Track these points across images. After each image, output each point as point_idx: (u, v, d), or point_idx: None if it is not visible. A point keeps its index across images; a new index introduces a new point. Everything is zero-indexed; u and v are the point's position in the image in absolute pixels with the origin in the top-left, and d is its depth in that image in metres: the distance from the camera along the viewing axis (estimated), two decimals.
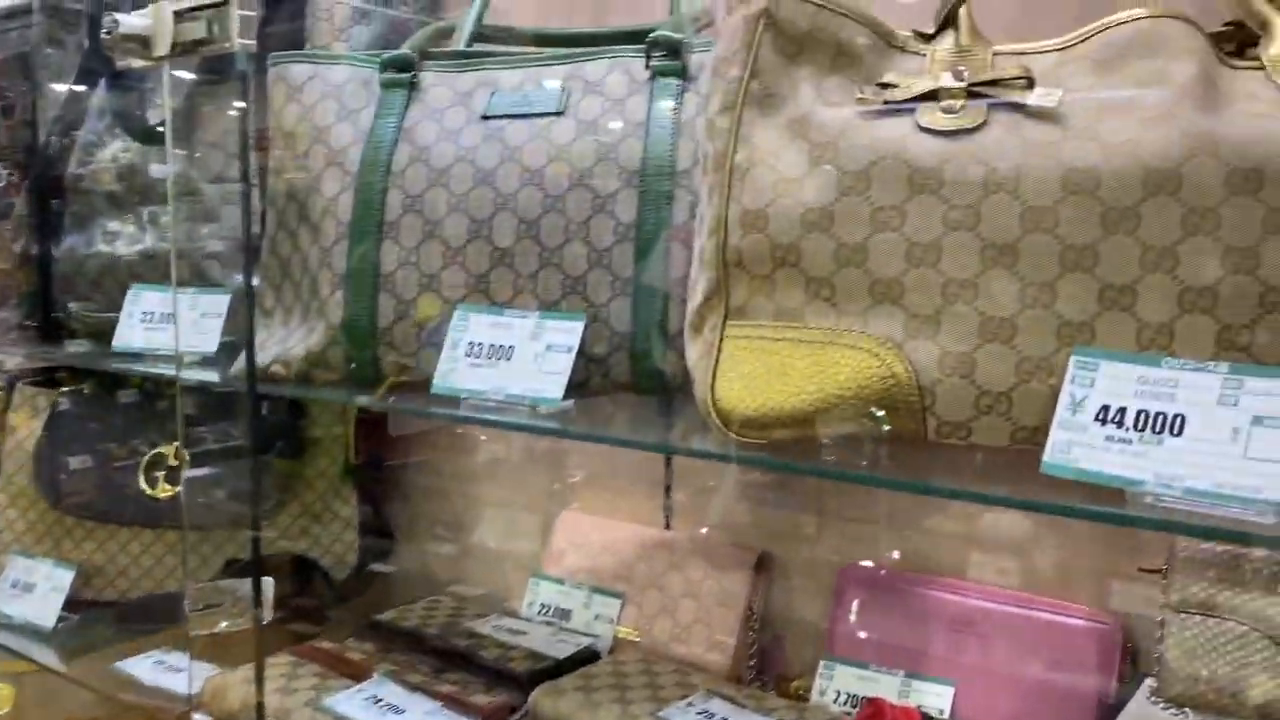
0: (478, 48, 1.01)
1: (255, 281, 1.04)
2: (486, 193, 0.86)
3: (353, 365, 0.89)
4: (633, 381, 0.84)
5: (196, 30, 0.67)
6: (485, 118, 0.89)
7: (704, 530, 1.14)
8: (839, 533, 1.05)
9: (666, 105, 0.86)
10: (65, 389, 1.31)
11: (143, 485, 1.26)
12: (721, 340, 0.67)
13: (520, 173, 0.86)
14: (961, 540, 0.99)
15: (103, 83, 1.25)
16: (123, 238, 1.19)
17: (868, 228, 0.62)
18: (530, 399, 0.79)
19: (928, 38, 0.70)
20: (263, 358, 0.94)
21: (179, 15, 0.66)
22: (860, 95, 0.65)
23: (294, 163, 0.94)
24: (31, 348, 1.28)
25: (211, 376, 1.05)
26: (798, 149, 0.65)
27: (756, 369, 0.65)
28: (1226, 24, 0.69)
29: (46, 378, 1.35)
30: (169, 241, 1.14)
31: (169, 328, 1.09)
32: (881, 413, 0.62)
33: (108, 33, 0.68)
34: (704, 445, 0.71)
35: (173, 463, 1.25)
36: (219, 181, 1.13)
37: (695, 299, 0.69)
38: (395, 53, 0.94)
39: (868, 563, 1.01)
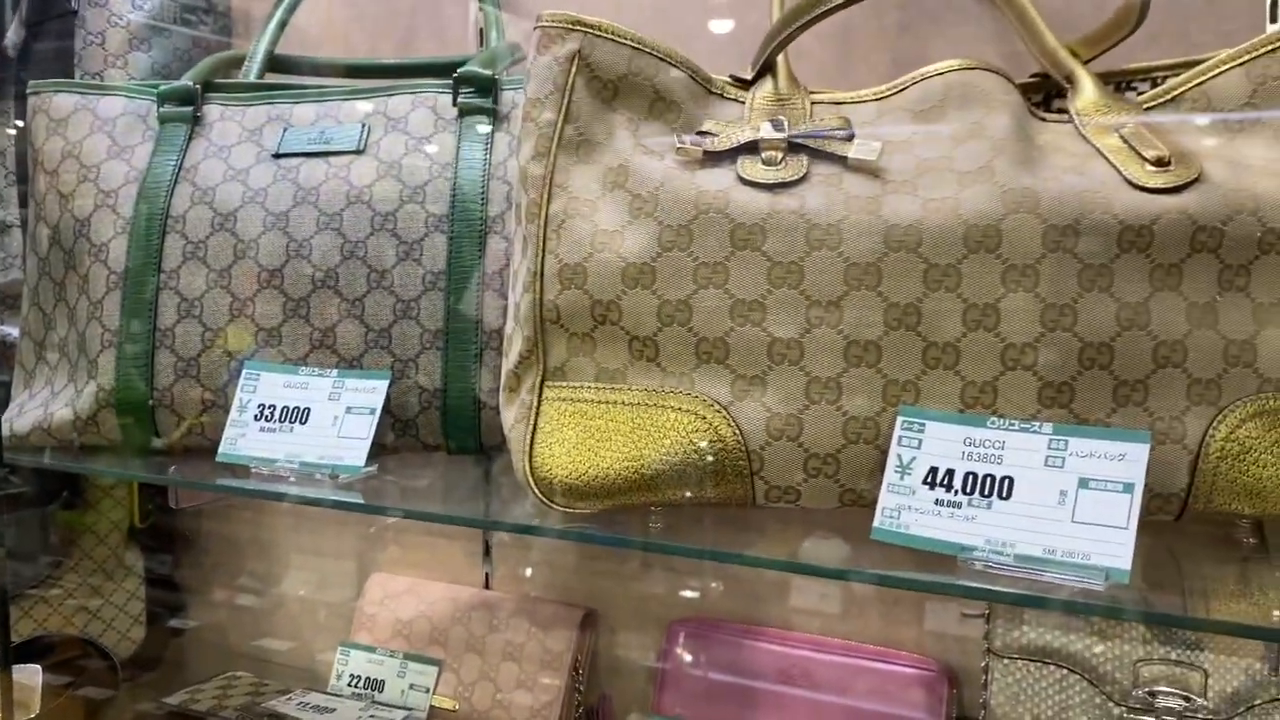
0: (272, 79, 0.94)
1: (13, 333, 0.94)
2: (278, 239, 0.79)
3: (127, 431, 0.80)
4: (445, 442, 0.79)
5: None
6: (277, 156, 0.82)
7: (526, 585, 1.09)
8: (666, 581, 1.02)
9: (476, 145, 0.81)
10: None
11: None
12: (539, 403, 0.63)
13: (316, 216, 0.79)
14: (788, 579, 0.98)
15: None
16: None
17: (691, 284, 0.59)
18: (329, 467, 0.73)
19: (745, 84, 0.68)
20: (21, 423, 0.83)
21: None
22: (680, 144, 0.62)
23: (58, 204, 0.84)
24: None
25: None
26: (617, 200, 0.62)
27: (577, 434, 0.61)
28: (1034, 75, 0.70)
29: None
30: None
31: None
32: (709, 477, 0.59)
33: None
34: (524, 513, 0.66)
35: None
36: None
37: (510, 358, 0.65)
38: (175, 83, 0.86)
39: (694, 595, 0.99)
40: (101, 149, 0.84)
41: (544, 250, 0.62)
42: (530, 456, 0.62)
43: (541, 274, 0.62)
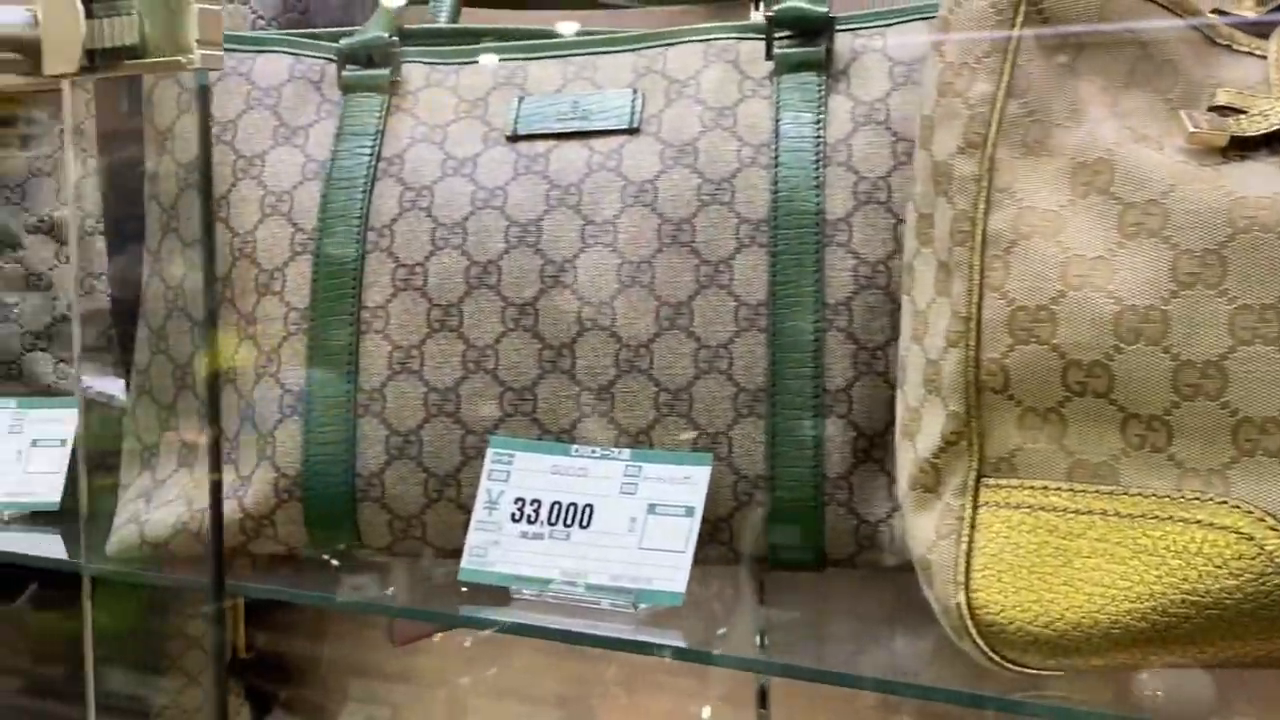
0: (476, 20, 0.98)
1: (115, 393, 1.00)
2: (527, 260, 0.83)
3: (318, 533, 0.85)
4: (771, 550, 0.81)
5: (121, 33, 0.62)
6: (514, 138, 0.86)
7: None
8: None
9: (804, 116, 0.83)
10: None
11: None
12: (975, 510, 0.64)
13: (580, 227, 0.83)
14: None
15: None
16: None
17: (1226, 338, 0.60)
18: (629, 593, 0.76)
19: (1260, 27, 0.68)
20: (156, 523, 0.89)
21: (101, 5, 0.61)
22: (1195, 127, 0.63)
23: (200, 210, 0.90)
24: None
25: (51, 547, 1.01)
26: (1097, 210, 0.63)
27: (1041, 559, 0.62)
28: None
29: None
30: None
31: None
32: (1258, 627, 0.59)
33: None
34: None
35: None
36: (49, 230, 1.09)
37: (923, 443, 0.66)
38: (364, 35, 0.90)
39: None
40: (264, 131, 0.90)
41: (983, 286, 0.64)
42: (968, 589, 0.63)
43: (979, 321, 0.64)
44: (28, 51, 0.65)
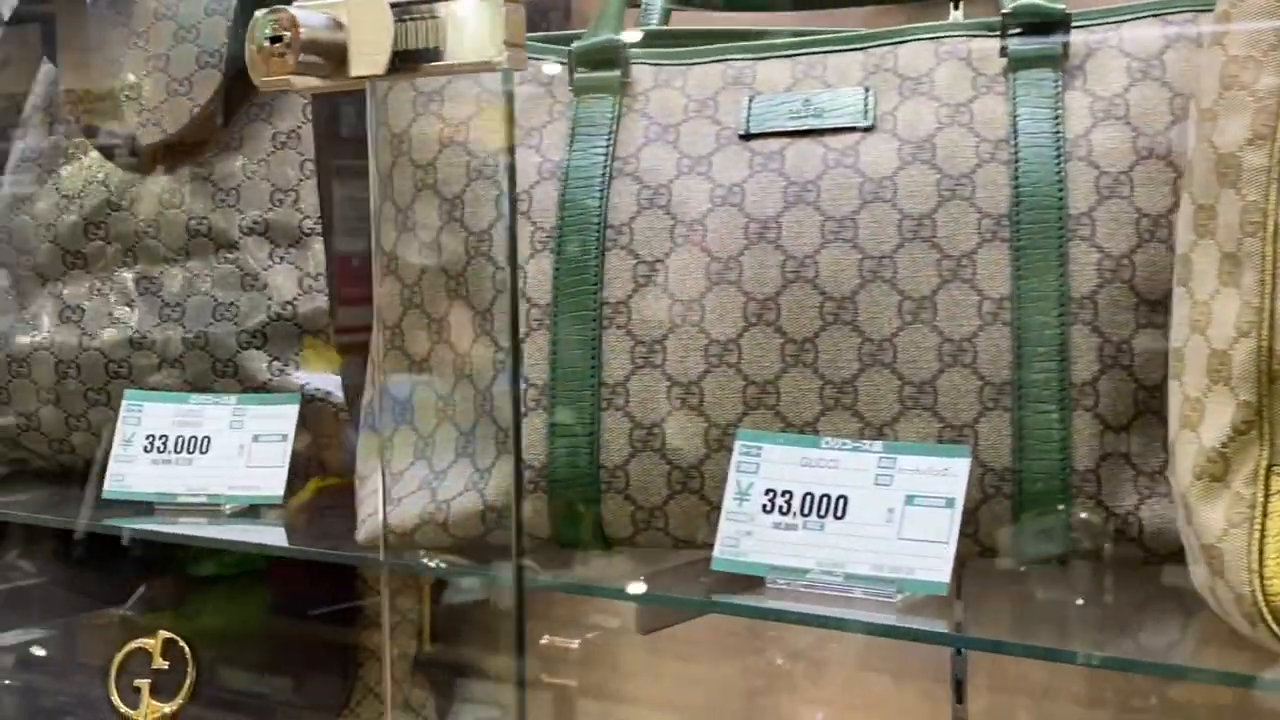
0: (686, 21, 0.99)
1: (333, 389, 1.03)
2: (767, 255, 0.83)
3: (562, 525, 0.87)
4: (1015, 544, 0.81)
5: (425, 35, 0.64)
6: (747, 137, 0.87)
7: None
8: None
9: (1041, 112, 0.83)
10: None
11: (114, 701, 1.21)
12: (1268, 498, 0.64)
13: (820, 223, 0.83)
14: None
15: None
16: (93, 316, 1.16)
17: None
18: (894, 582, 0.76)
19: None
20: (401, 515, 0.90)
21: (405, 9, 0.63)
22: None
23: (437, 210, 0.92)
24: None
25: (274, 536, 1.03)
26: None
27: None
28: None
29: None
30: (182, 321, 1.11)
31: (196, 459, 1.06)
32: None
33: (275, 38, 0.65)
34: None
35: (160, 664, 1.20)
36: (264, 231, 1.11)
37: (1210, 434, 0.66)
38: (595, 38, 0.92)
39: None
40: None
41: (1276, 276, 0.64)
42: (1263, 576, 0.63)
43: (1272, 311, 0.64)
44: (330, 55, 0.66)
